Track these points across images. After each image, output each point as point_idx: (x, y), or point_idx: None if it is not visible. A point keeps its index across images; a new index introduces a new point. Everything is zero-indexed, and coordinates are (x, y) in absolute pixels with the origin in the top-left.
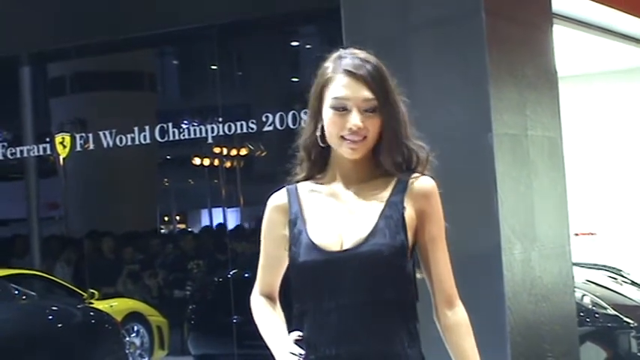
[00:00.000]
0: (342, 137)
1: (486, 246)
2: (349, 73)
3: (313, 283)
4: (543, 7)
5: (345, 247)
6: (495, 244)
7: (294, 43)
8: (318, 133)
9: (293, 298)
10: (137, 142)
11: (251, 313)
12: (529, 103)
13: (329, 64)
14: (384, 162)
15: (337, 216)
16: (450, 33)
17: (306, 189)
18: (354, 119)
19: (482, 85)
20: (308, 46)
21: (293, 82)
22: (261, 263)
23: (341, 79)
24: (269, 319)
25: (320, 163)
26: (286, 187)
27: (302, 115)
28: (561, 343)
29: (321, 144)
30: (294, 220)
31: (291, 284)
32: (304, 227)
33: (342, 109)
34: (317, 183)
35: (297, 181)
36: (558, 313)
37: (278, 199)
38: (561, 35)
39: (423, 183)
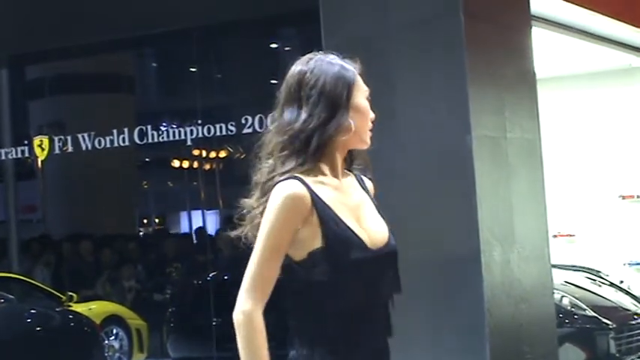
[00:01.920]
0: (369, 127)
1: (465, 248)
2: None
3: (363, 280)
4: (522, 9)
5: (380, 244)
6: (474, 246)
7: (274, 45)
8: (350, 125)
9: (324, 296)
10: (116, 145)
11: (231, 316)
12: (508, 105)
13: (349, 65)
14: (356, 157)
15: (357, 211)
16: (428, 35)
17: (310, 182)
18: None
19: (461, 87)
20: (287, 48)
21: (272, 84)
22: (266, 257)
23: (360, 79)
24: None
25: (318, 156)
26: (297, 178)
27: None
28: (540, 344)
29: (343, 136)
30: (324, 215)
31: (319, 281)
32: (343, 223)
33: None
34: (314, 176)
35: (293, 173)
36: (537, 314)
37: (298, 189)
38: (540, 37)
39: (370, 181)
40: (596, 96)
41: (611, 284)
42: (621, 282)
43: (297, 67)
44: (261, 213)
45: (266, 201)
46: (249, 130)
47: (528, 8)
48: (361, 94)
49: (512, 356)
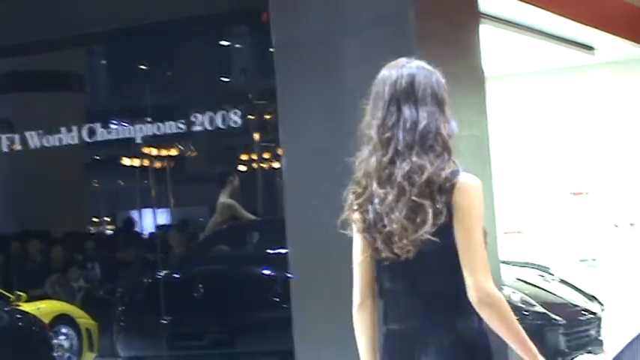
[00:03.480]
0: None
1: None
2: None
3: None
4: (471, 7)
5: None
6: None
7: (224, 44)
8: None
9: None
10: (65, 143)
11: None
12: (456, 102)
13: (439, 73)
14: None
15: None
16: (379, 32)
17: None
18: None
19: None
20: (238, 46)
21: (223, 82)
22: (482, 241)
23: None
24: None
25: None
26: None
27: (231, 115)
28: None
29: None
30: None
31: None
32: None
33: None
34: None
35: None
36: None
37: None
38: (489, 35)
39: None
40: (546, 93)
41: (561, 280)
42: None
43: (401, 71)
44: (444, 211)
45: (446, 198)
46: (199, 128)
47: (477, 6)
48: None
49: None
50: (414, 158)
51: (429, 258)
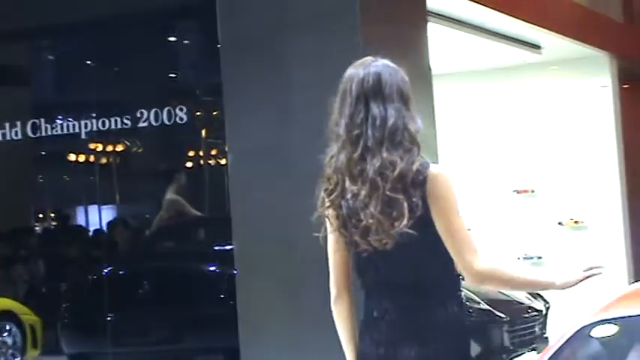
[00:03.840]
0: None
1: None
2: None
3: None
4: (418, 4)
5: None
6: None
7: (171, 39)
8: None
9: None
10: (8, 138)
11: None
12: None
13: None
14: None
15: None
16: (325, 30)
17: None
18: None
19: None
20: (185, 42)
21: (169, 78)
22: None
23: None
24: None
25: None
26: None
27: (177, 111)
28: None
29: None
30: None
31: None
32: None
33: None
34: None
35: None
36: None
37: None
38: (435, 33)
39: None
40: (492, 92)
41: None
42: None
43: (368, 69)
44: (420, 204)
45: (420, 191)
46: (145, 124)
47: (424, 4)
48: None
49: None
50: (385, 154)
51: (408, 249)
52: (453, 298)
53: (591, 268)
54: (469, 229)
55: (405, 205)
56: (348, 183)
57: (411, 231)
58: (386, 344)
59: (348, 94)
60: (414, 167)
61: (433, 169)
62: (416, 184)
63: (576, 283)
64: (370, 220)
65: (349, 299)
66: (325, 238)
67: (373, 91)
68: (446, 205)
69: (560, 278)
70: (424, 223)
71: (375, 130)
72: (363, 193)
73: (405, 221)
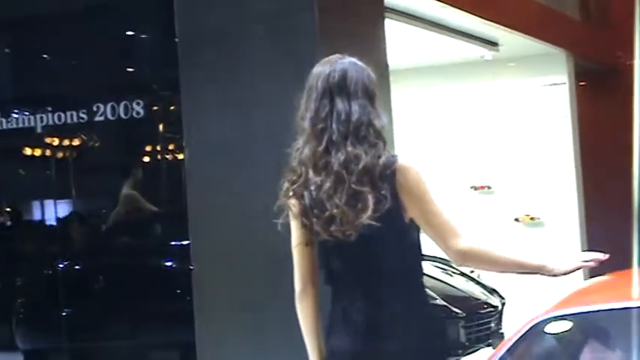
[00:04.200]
0: None
1: None
2: None
3: None
4: (376, 1)
5: None
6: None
7: (129, 33)
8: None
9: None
10: None
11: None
12: None
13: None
14: None
15: None
16: (282, 26)
17: None
18: None
19: None
20: (143, 36)
21: (126, 72)
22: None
23: None
24: None
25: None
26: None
27: (134, 105)
28: None
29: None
30: None
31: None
32: None
33: None
34: None
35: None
36: None
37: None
38: (393, 29)
39: None
40: (449, 88)
41: (462, 274)
42: (472, 271)
43: (335, 66)
44: (388, 197)
45: (389, 184)
46: (101, 118)
47: (382, 0)
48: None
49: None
50: (349, 148)
51: (374, 241)
52: (419, 290)
53: (592, 260)
54: (447, 212)
55: (370, 197)
56: (311, 174)
57: (374, 223)
58: (357, 335)
59: (314, 90)
60: (381, 161)
61: (402, 161)
62: (384, 177)
63: (571, 272)
64: (335, 211)
65: (315, 293)
66: (286, 225)
67: (338, 86)
68: (419, 194)
69: (554, 263)
70: (391, 216)
71: (339, 124)
72: (327, 184)
73: (369, 213)
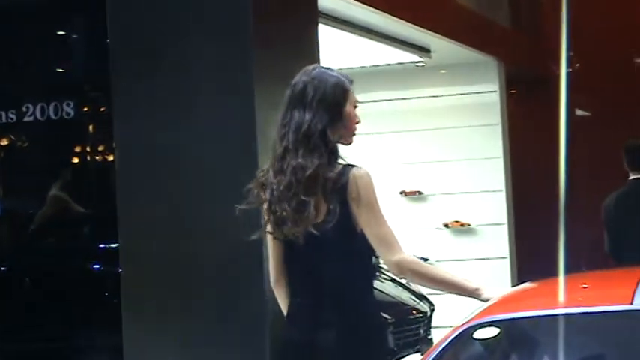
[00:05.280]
0: (355, 129)
1: (250, 249)
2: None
3: None
4: (309, 5)
5: None
6: (258, 246)
7: (60, 33)
8: (344, 127)
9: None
10: None
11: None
12: None
13: (342, 78)
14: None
15: None
16: (216, 28)
17: None
18: (358, 115)
19: (248, 83)
20: (74, 36)
21: (57, 72)
22: (385, 218)
23: (352, 89)
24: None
25: (328, 151)
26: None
27: (64, 106)
28: None
29: (339, 136)
30: None
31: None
32: None
33: (355, 108)
34: None
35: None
36: None
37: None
38: (326, 34)
39: None
40: (381, 94)
41: (392, 279)
42: (401, 277)
43: (301, 77)
44: (337, 208)
45: (340, 196)
46: (31, 119)
47: (316, 6)
48: (351, 102)
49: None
50: (299, 159)
51: (323, 246)
52: (365, 296)
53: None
54: (391, 224)
55: (312, 207)
56: (271, 175)
57: (315, 232)
58: (303, 331)
59: (284, 98)
60: (331, 174)
61: (354, 171)
62: (335, 188)
63: None
64: (284, 214)
65: (284, 283)
66: (247, 212)
67: (298, 97)
68: (369, 204)
69: (489, 291)
70: (340, 224)
71: (292, 134)
72: (281, 187)
73: (311, 222)
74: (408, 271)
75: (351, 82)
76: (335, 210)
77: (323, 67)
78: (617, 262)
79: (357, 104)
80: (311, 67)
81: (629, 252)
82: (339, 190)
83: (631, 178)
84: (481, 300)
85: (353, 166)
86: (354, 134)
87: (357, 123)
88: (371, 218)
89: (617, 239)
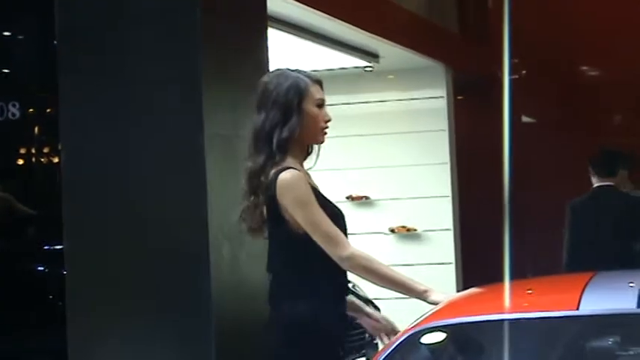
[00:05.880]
0: (322, 127)
1: (194, 245)
2: (319, 83)
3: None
4: (259, 8)
5: None
6: (203, 243)
7: (6, 33)
8: (298, 127)
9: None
10: None
11: None
12: (241, 103)
13: (301, 78)
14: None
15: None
16: (165, 27)
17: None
18: (328, 114)
19: (195, 83)
20: (20, 37)
21: (1, 72)
22: (322, 215)
23: (317, 88)
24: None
25: (283, 150)
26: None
27: (9, 107)
28: None
29: (294, 136)
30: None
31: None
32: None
33: (320, 107)
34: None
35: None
36: (266, 313)
37: (302, 174)
38: (275, 38)
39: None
40: (329, 98)
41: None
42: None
43: (263, 79)
44: (272, 206)
45: (271, 195)
46: None
47: (265, 7)
48: (312, 102)
49: (239, 356)
50: (250, 158)
51: (271, 243)
52: (312, 293)
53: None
54: (331, 223)
55: (253, 206)
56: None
57: (253, 233)
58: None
59: None
60: (270, 173)
61: (281, 175)
62: (269, 189)
63: None
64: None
65: None
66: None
67: (258, 98)
68: (299, 206)
69: (437, 295)
70: (279, 224)
71: (248, 134)
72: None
73: (251, 221)
74: (359, 267)
75: (318, 82)
76: (269, 208)
77: (288, 70)
78: (575, 267)
79: (323, 103)
80: (276, 69)
81: (588, 258)
82: (271, 190)
83: (595, 185)
84: (428, 302)
85: (284, 169)
86: (325, 132)
87: (327, 121)
88: (307, 218)
89: (577, 244)
